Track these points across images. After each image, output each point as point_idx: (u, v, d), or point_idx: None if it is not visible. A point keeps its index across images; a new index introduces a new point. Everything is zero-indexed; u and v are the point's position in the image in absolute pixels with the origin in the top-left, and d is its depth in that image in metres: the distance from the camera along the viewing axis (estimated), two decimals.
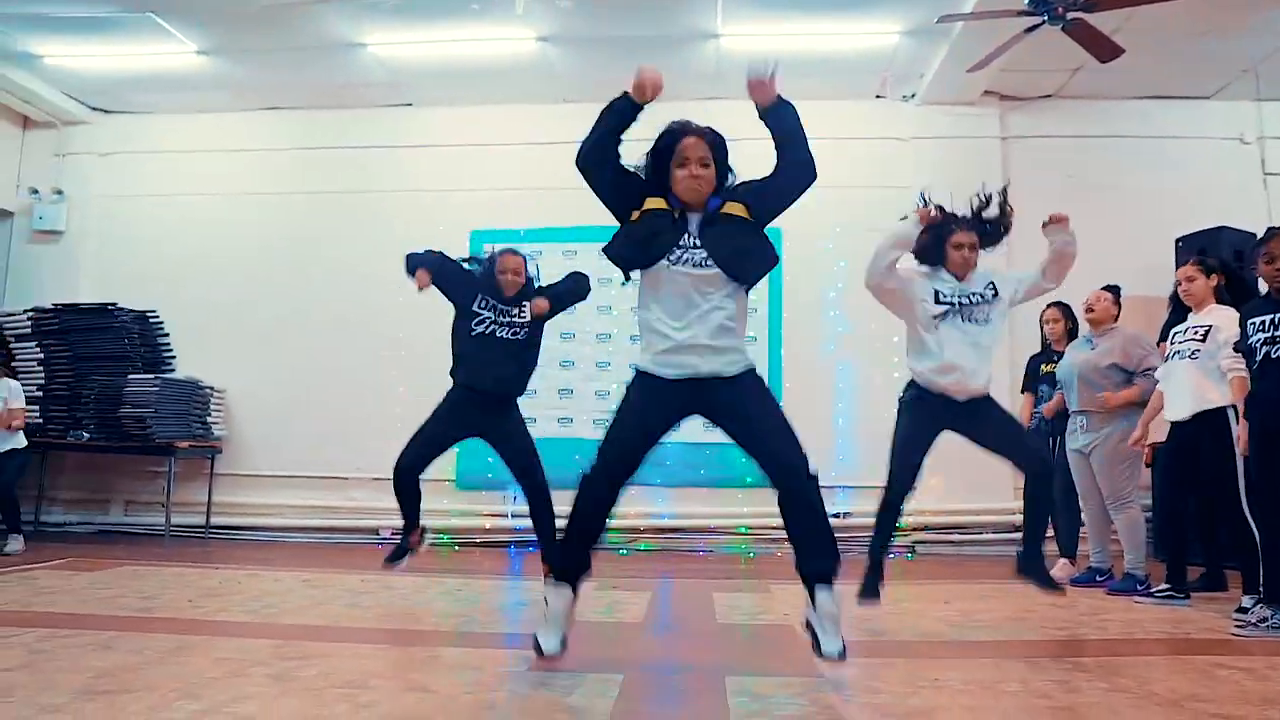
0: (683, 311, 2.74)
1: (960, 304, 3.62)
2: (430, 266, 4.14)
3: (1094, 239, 6.70)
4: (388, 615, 3.85)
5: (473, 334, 3.99)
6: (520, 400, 4.26)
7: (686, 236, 2.77)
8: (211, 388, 7.03)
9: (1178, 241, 6.41)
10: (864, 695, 2.54)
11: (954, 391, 3.56)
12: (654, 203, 2.83)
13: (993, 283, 3.70)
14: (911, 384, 3.72)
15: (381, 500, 7.04)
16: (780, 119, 2.87)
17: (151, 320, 7.14)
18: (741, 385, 2.78)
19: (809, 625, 2.71)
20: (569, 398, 7.11)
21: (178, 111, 7.56)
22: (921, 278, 3.71)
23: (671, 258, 2.74)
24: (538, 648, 2.71)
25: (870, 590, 3.68)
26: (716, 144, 2.84)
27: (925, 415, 3.64)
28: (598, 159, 2.89)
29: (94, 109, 7.63)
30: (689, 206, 2.82)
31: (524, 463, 4.10)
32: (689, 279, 2.74)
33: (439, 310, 7.14)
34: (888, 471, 3.74)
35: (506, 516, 6.75)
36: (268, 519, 7.00)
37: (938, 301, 3.62)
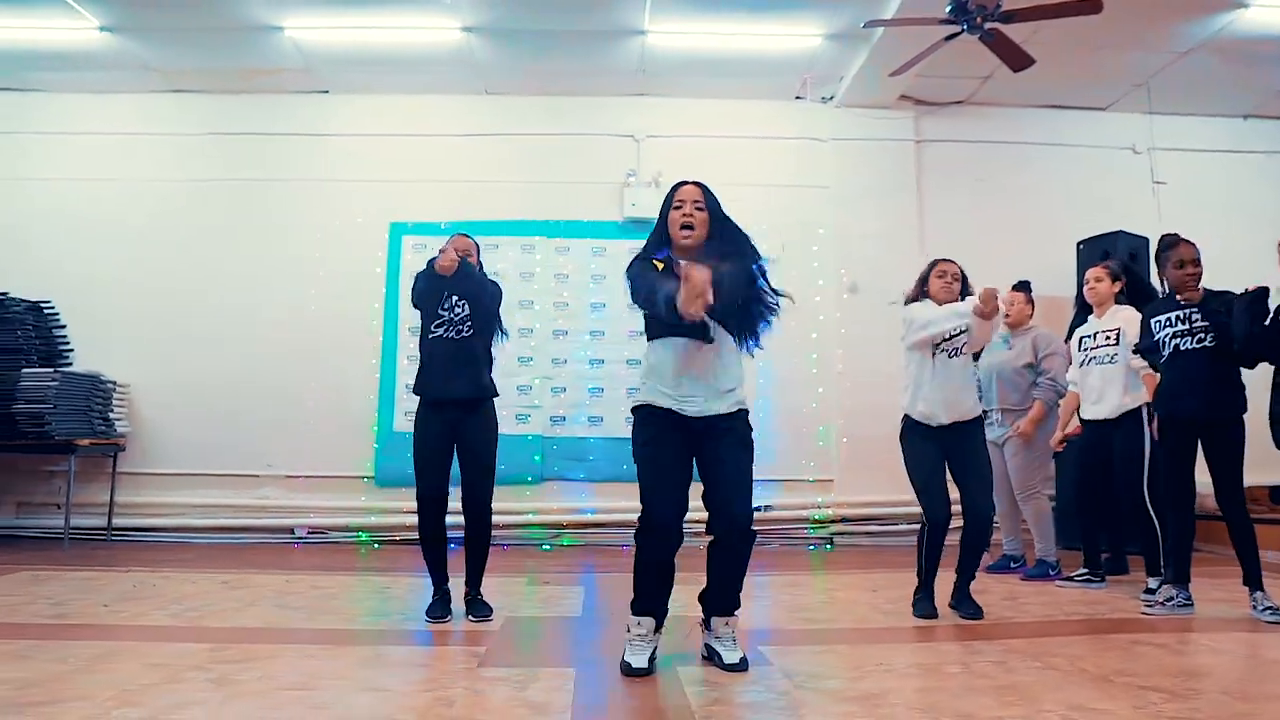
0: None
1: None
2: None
3: (1001, 240, 7.10)
4: (320, 614, 3.74)
5: (430, 337, 3.70)
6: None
7: None
8: (114, 382, 6.67)
9: (1079, 244, 6.75)
10: (815, 681, 2.61)
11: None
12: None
13: None
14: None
15: (294, 498, 6.87)
16: None
17: (46, 311, 6.73)
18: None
19: (707, 648, 2.87)
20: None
21: (78, 91, 7.10)
22: None
23: None
24: (625, 666, 2.72)
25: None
26: (709, 197, 2.90)
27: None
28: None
29: None
30: (685, 252, 2.82)
31: (471, 470, 3.66)
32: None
33: (354, 302, 7.04)
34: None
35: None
36: (175, 519, 6.68)
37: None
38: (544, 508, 6.85)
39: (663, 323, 2.78)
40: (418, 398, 3.73)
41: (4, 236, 7.00)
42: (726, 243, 2.83)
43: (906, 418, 3.87)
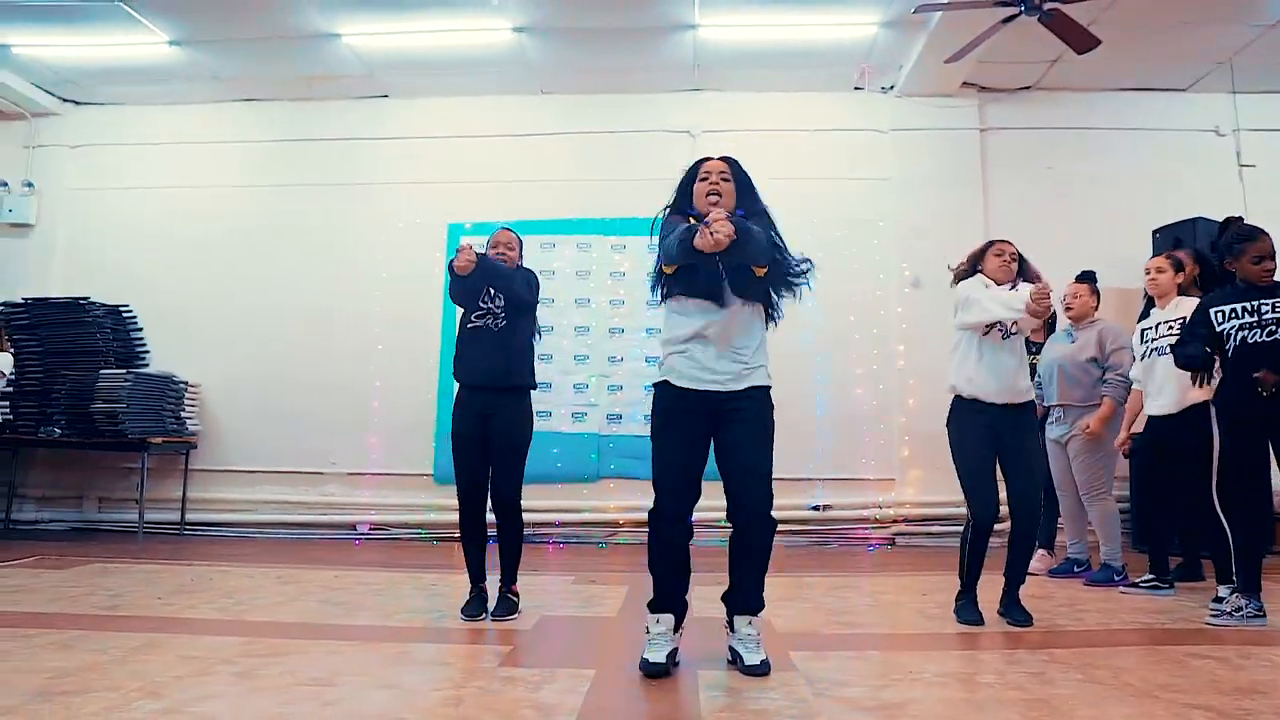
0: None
1: None
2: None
3: (1070, 230, 6.82)
4: (360, 611, 3.80)
5: (469, 327, 3.73)
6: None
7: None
8: (186, 382, 6.93)
9: (1154, 232, 6.43)
10: (836, 689, 2.53)
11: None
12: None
13: None
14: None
15: (356, 495, 7.02)
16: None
17: (124, 314, 7.04)
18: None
19: (730, 650, 2.78)
20: (546, 391, 7.05)
21: (149, 103, 7.43)
22: None
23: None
24: (644, 663, 2.69)
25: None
26: (737, 170, 2.93)
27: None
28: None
29: (64, 100, 7.49)
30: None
31: (501, 465, 3.65)
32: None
33: (414, 303, 7.16)
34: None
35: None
36: (243, 515, 6.92)
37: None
38: (600, 505, 6.85)
39: (679, 281, 2.78)
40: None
41: (85, 244, 7.35)
42: (752, 216, 2.81)
43: (956, 397, 3.69)
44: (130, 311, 7.09)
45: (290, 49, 6.59)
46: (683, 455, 2.76)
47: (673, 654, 2.74)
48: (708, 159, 2.94)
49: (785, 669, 2.74)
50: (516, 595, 3.71)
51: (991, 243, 3.86)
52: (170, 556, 5.55)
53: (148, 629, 3.25)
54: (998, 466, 3.65)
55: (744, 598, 2.79)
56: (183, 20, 6.19)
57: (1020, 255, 3.78)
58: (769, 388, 2.84)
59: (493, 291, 3.71)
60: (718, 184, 2.85)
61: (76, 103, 7.54)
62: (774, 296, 2.88)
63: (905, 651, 3.04)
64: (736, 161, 2.94)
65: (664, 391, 2.83)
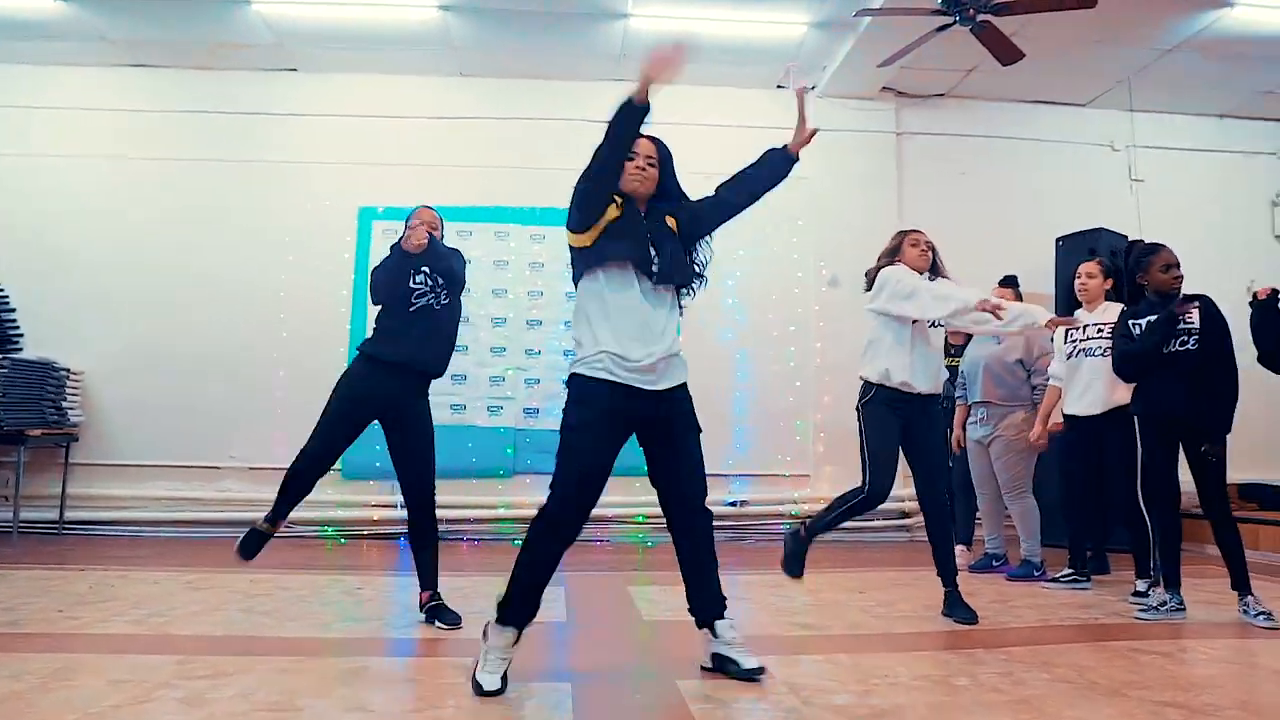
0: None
1: None
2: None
3: (981, 235, 7.06)
4: (291, 621, 3.56)
5: (411, 309, 3.49)
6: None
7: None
8: (68, 370, 6.38)
9: (1059, 241, 6.73)
10: (822, 696, 2.50)
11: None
12: (612, 211, 2.70)
13: None
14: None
15: (259, 490, 6.60)
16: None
17: None
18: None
19: (715, 657, 2.71)
20: (461, 383, 6.84)
21: (33, 63, 6.77)
22: None
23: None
24: (478, 688, 2.44)
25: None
26: (664, 152, 2.85)
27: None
28: (608, 182, 2.69)
29: None
30: (633, 197, 2.76)
31: (421, 461, 3.52)
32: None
33: (322, 287, 6.80)
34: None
35: (396, 508, 6.44)
36: (130, 512, 6.43)
37: None
38: (516, 501, 6.69)
39: (600, 252, 2.64)
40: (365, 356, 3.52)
41: None
42: (670, 200, 2.79)
43: (877, 387, 3.71)
44: (2, 292, 6.46)
45: (191, 11, 6.13)
46: (601, 467, 2.58)
47: (506, 674, 2.50)
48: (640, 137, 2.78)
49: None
50: (438, 600, 3.53)
51: (905, 233, 3.92)
52: (54, 559, 5.09)
53: (60, 648, 2.94)
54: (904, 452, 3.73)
55: (713, 594, 2.74)
56: None
57: (932, 244, 3.87)
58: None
59: (428, 271, 3.52)
60: (643, 167, 2.75)
61: None
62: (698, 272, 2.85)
63: (870, 653, 3.05)
64: (663, 144, 2.84)
65: (586, 388, 2.62)
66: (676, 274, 2.73)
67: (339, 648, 3.11)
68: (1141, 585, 4.11)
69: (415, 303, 3.50)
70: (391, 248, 3.49)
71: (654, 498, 2.76)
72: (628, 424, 2.66)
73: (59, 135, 6.82)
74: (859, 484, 3.68)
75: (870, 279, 3.90)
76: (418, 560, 3.54)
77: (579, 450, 2.57)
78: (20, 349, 6.37)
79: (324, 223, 6.89)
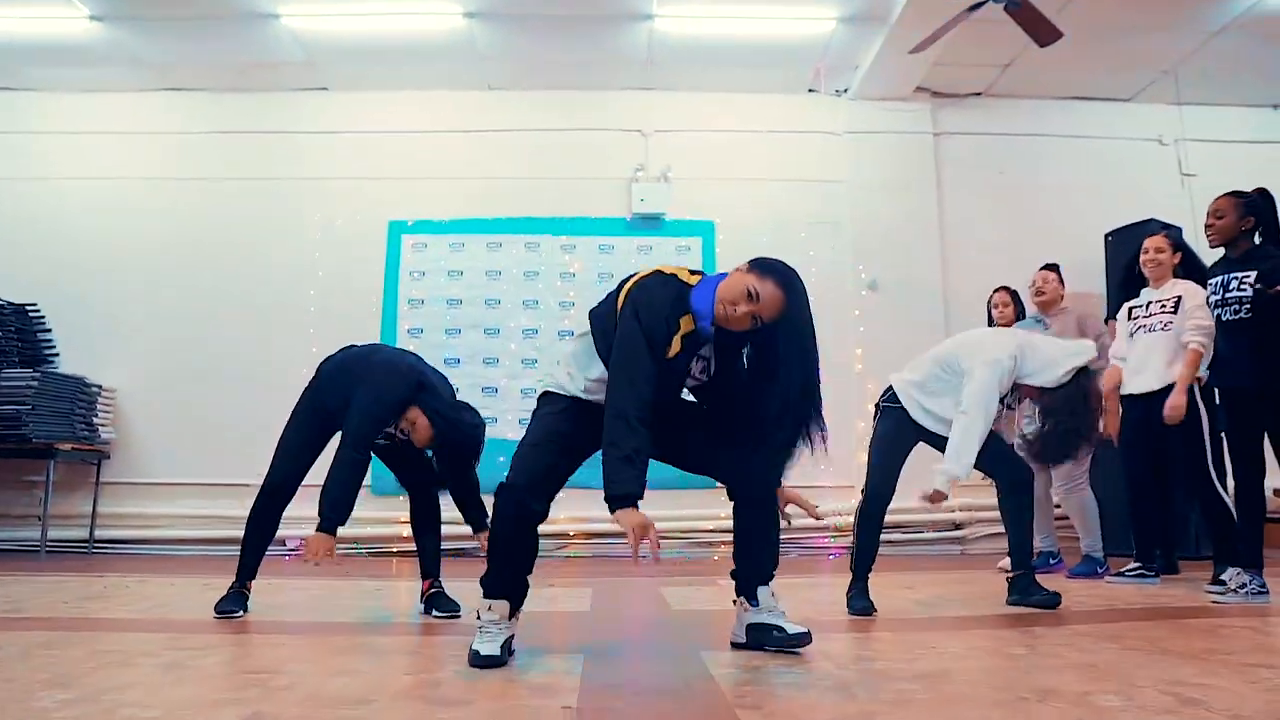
0: None
1: None
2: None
3: (1025, 234, 6.80)
4: (301, 611, 3.40)
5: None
6: None
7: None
8: (99, 386, 6.36)
9: (1107, 236, 6.44)
10: (862, 663, 2.26)
11: None
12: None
13: None
14: None
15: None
16: None
17: (31, 314, 6.44)
18: None
19: (752, 630, 2.42)
20: (492, 396, 6.71)
21: (70, 89, 6.89)
22: None
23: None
24: (474, 655, 2.21)
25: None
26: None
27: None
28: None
29: None
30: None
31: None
32: None
33: (351, 303, 6.75)
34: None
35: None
36: (160, 530, 6.34)
37: None
38: (551, 516, 6.45)
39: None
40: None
41: None
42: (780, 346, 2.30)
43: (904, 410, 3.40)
44: (38, 310, 6.49)
45: (223, 30, 6.19)
46: (572, 449, 2.36)
47: (508, 643, 2.29)
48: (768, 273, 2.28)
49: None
50: (439, 588, 3.32)
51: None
52: (78, 571, 4.99)
53: (54, 629, 2.80)
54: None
55: (764, 567, 2.44)
56: None
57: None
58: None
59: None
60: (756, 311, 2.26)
61: None
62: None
63: (918, 632, 2.79)
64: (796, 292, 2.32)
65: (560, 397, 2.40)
66: None
67: (343, 630, 2.93)
68: (1229, 573, 3.73)
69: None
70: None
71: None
72: None
73: (94, 159, 6.90)
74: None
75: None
76: (419, 546, 3.35)
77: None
78: (55, 365, 6.38)
79: (353, 238, 6.86)
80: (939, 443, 3.33)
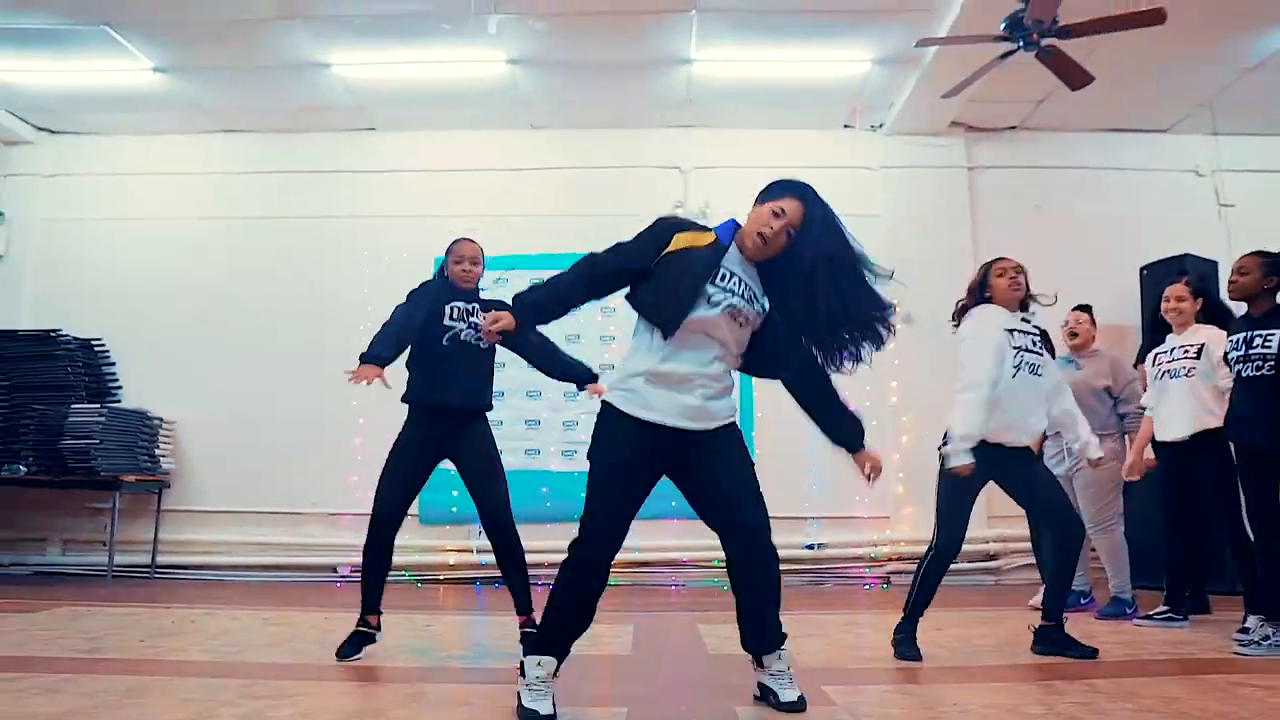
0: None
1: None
2: (381, 360, 3.60)
3: (1061, 268, 6.77)
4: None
5: (444, 343, 3.55)
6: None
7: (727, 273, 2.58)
8: (160, 419, 6.69)
9: (1143, 269, 6.48)
10: None
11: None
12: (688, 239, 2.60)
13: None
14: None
15: (338, 536, 6.75)
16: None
17: (96, 349, 6.79)
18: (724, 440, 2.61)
19: (761, 687, 2.59)
20: (535, 429, 6.91)
21: (127, 132, 7.27)
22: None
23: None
24: (529, 714, 2.35)
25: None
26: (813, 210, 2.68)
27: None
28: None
29: (38, 129, 7.29)
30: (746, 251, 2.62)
31: (485, 477, 3.55)
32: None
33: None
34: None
35: (472, 552, 6.49)
36: (218, 557, 6.64)
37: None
38: None
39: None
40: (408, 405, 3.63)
41: (59, 275, 7.12)
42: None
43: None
44: (103, 345, 6.85)
45: (278, 79, 6.49)
46: (629, 504, 2.50)
47: (553, 700, 2.41)
48: (789, 190, 2.60)
49: (822, 703, 2.60)
50: (534, 627, 3.51)
51: (990, 264, 3.61)
52: (144, 600, 5.27)
53: (134, 672, 3.04)
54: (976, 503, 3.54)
55: (763, 635, 2.57)
56: (170, 46, 6.06)
57: (1022, 269, 3.58)
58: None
59: (464, 306, 3.53)
60: (780, 233, 2.56)
61: (51, 131, 7.35)
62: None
63: (941, 684, 2.92)
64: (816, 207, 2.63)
65: (621, 424, 2.55)
66: None
67: (400, 675, 3.13)
68: (1252, 621, 3.80)
69: (446, 341, 3.51)
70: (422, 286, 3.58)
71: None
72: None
73: (154, 199, 7.25)
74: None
75: (957, 316, 3.66)
76: (508, 585, 3.53)
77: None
78: (119, 399, 6.71)
79: (401, 274, 7.02)
80: (1009, 473, 3.43)
